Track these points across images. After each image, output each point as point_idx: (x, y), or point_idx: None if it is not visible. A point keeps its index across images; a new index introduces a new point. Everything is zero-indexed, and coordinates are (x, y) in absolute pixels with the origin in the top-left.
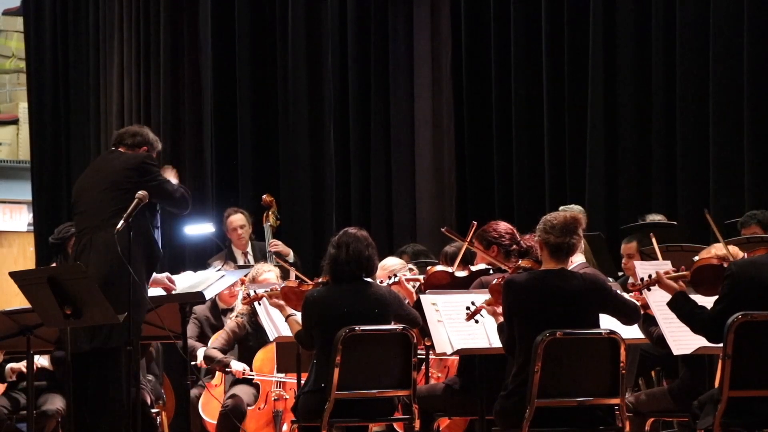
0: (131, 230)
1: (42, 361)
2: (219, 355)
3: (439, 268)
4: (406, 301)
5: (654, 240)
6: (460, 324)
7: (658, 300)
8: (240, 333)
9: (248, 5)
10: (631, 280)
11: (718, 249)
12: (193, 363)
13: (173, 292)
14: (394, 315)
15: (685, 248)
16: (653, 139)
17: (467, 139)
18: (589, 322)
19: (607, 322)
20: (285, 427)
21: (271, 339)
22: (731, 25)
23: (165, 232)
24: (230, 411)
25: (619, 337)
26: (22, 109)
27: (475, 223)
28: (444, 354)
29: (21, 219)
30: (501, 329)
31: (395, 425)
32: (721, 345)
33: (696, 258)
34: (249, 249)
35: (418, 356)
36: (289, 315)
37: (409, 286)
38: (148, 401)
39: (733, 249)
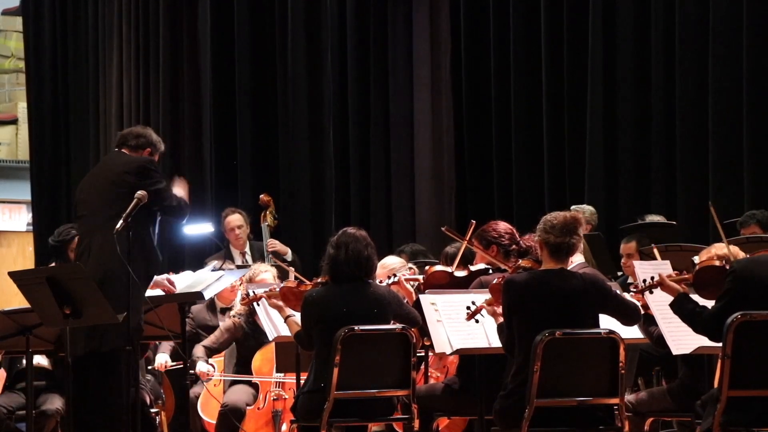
0: (130, 231)
1: (41, 360)
2: (198, 353)
3: (439, 267)
4: (406, 301)
5: (656, 251)
6: (459, 324)
7: (657, 300)
8: (235, 333)
9: (247, 6)
10: (631, 280)
11: (718, 249)
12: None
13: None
14: (393, 315)
15: (684, 248)
16: (652, 139)
17: (466, 140)
18: (588, 322)
19: (607, 322)
20: (284, 427)
21: (270, 339)
22: (731, 26)
23: (164, 232)
24: (229, 411)
25: (618, 337)
26: (22, 109)
27: (474, 222)
28: (443, 354)
29: (20, 219)
30: (501, 329)
31: (394, 425)
32: (720, 344)
33: (696, 258)
34: (247, 249)
35: (417, 356)
36: (288, 316)
37: (408, 285)
38: (147, 401)
39: (734, 249)
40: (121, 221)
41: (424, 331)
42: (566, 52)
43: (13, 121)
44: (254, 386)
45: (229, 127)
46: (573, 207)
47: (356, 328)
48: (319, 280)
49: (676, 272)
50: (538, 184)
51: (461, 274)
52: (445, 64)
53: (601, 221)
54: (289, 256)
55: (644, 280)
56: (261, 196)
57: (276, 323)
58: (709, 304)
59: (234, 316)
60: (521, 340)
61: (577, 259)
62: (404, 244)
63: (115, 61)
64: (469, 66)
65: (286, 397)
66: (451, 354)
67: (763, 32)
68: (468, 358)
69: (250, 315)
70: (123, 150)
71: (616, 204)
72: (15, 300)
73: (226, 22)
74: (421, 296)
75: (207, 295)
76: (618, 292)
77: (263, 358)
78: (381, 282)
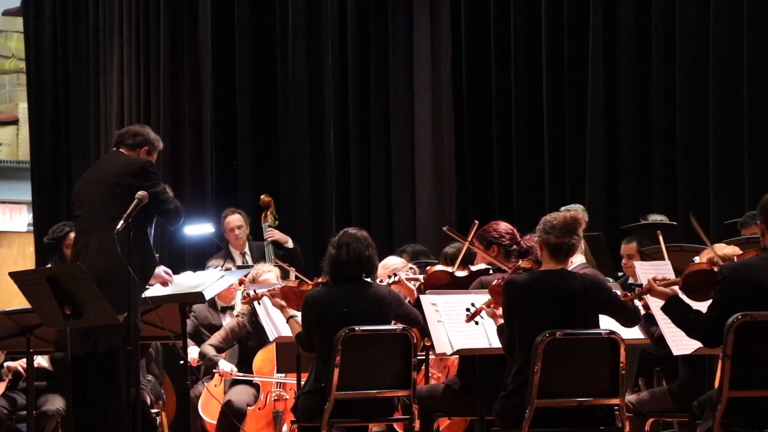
0: (131, 231)
1: (41, 361)
2: (211, 352)
3: (439, 267)
4: (407, 300)
5: (661, 238)
6: (459, 324)
7: (658, 301)
8: (239, 332)
9: (248, 6)
10: (632, 281)
11: (718, 249)
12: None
13: (172, 290)
14: (394, 315)
15: (685, 248)
16: (653, 140)
17: (467, 140)
18: (589, 322)
19: (607, 323)
20: (285, 428)
21: (271, 339)
22: (731, 26)
23: (164, 232)
24: (230, 411)
25: (618, 338)
26: (22, 110)
27: (477, 222)
28: (444, 354)
29: (21, 219)
30: (501, 330)
31: (395, 425)
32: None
33: (697, 259)
34: (246, 249)
35: (418, 357)
36: (291, 316)
37: (410, 284)
38: (148, 401)
39: (734, 248)
40: (121, 222)
41: (425, 332)
42: (567, 52)
43: (14, 122)
44: (255, 386)
45: (229, 127)
46: (563, 208)
47: (357, 328)
48: (319, 280)
49: (664, 276)
50: (539, 185)
51: (462, 274)
52: (446, 65)
53: (601, 221)
54: (290, 244)
55: (634, 287)
56: (262, 196)
57: (277, 323)
58: (701, 307)
59: (238, 316)
60: (522, 341)
61: (577, 260)
62: (405, 245)
63: (116, 62)
64: (470, 67)
65: (287, 397)
66: (451, 354)
67: (763, 34)
68: (468, 358)
69: (253, 314)
70: (121, 149)
71: (617, 204)
72: (16, 300)
73: (226, 22)
74: (421, 296)
75: (208, 296)
76: (618, 293)
77: (264, 358)
78: (381, 282)
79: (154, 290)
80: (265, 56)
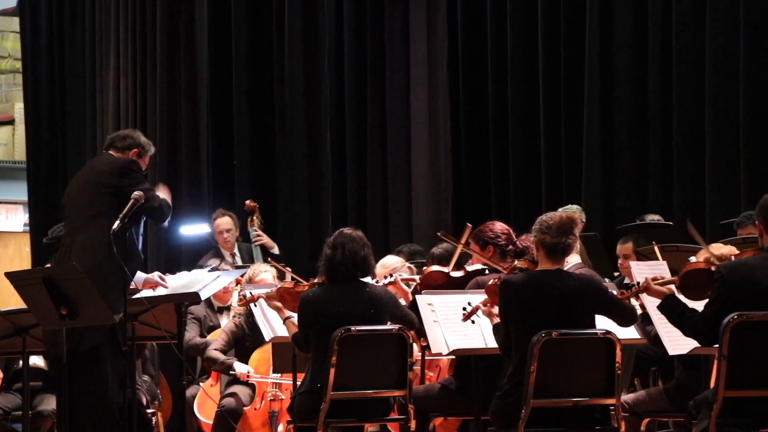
0: (126, 232)
1: (37, 361)
2: (221, 356)
3: (435, 268)
4: (402, 302)
5: (656, 249)
6: (455, 324)
7: (654, 300)
8: (239, 333)
9: (245, 7)
10: (628, 281)
11: (715, 249)
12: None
13: (167, 291)
14: (390, 315)
15: (681, 248)
16: (649, 140)
17: (463, 140)
18: (584, 322)
19: (603, 323)
20: (281, 428)
21: (267, 339)
22: (728, 26)
23: (161, 233)
24: (226, 411)
25: (614, 338)
26: (18, 110)
27: (470, 225)
28: (439, 354)
29: (17, 219)
30: (497, 330)
31: (390, 425)
32: (714, 346)
33: (693, 259)
34: (236, 250)
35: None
36: (288, 317)
37: (405, 286)
38: (144, 402)
39: (730, 248)
40: (117, 222)
41: (421, 332)
42: (563, 53)
43: (10, 122)
44: (251, 387)
45: (226, 129)
46: (561, 209)
47: (353, 328)
48: (315, 280)
49: (661, 275)
50: (535, 185)
51: (458, 274)
52: (442, 65)
53: (597, 221)
54: (276, 250)
55: (630, 286)
56: (247, 201)
57: (273, 324)
58: (698, 305)
59: (234, 317)
60: (518, 341)
61: (573, 260)
62: (401, 245)
63: (112, 62)
64: (466, 67)
65: (283, 397)
66: (447, 355)
67: (760, 33)
68: (465, 358)
69: (250, 315)
70: (110, 151)
71: (613, 204)
72: (12, 301)
73: (223, 23)
74: (417, 297)
75: (204, 296)
76: (614, 293)
77: (260, 359)
78: (379, 282)
79: (149, 290)
80: (261, 57)
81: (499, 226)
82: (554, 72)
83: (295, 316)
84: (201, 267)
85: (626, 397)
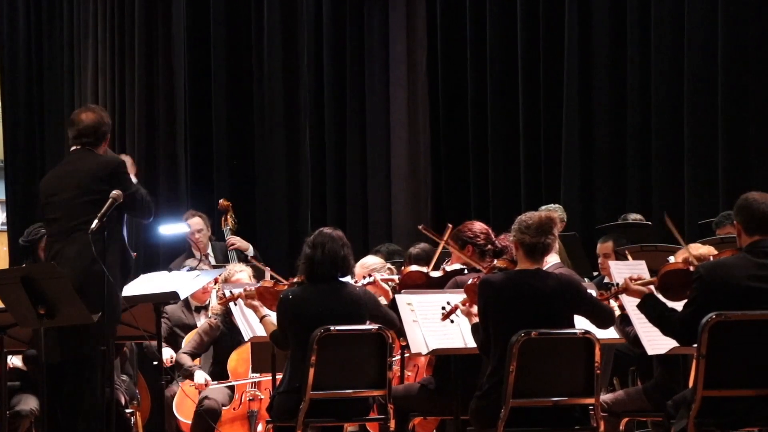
0: (104, 231)
1: (15, 361)
2: (187, 362)
3: (414, 268)
4: (383, 301)
5: (628, 253)
6: (435, 324)
7: (634, 300)
8: (213, 334)
9: (223, 5)
10: (608, 280)
11: (693, 249)
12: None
13: (146, 290)
14: (369, 315)
15: (660, 248)
16: (628, 139)
17: (443, 139)
18: (563, 322)
19: (582, 323)
20: (260, 428)
21: (246, 339)
22: (706, 23)
23: (139, 232)
24: (205, 411)
25: (593, 337)
26: None
27: (451, 225)
28: (419, 354)
29: None
30: (476, 330)
31: (369, 425)
32: (693, 346)
33: (672, 258)
34: (209, 250)
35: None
36: (264, 316)
37: (385, 285)
38: (123, 401)
39: (709, 249)
40: (96, 221)
41: (401, 332)
42: (542, 52)
43: None
44: (230, 386)
45: (204, 127)
46: (542, 207)
47: (332, 328)
48: (295, 279)
49: (640, 276)
50: (514, 184)
51: (437, 274)
52: (422, 64)
53: (576, 221)
54: (250, 252)
55: (610, 287)
56: (220, 201)
57: (252, 323)
58: (677, 306)
59: (211, 317)
60: (497, 341)
61: (552, 260)
62: (380, 244)
63: (90, 61)
64: (446, 66)
65: (262, 397)
66: (426, 354)
67: (738, 31)
68: (444, 358)
69: (227, 315)
70: (87, 148)
71: (592, 204)
72: None
73: (201, 21)
74: (397, 296)
75: (182, 295)
76: (594, 294)
77: (239, 359)
78: (357, 282)
79: (127, 289)
80: (240, 56)
81: (478, 226)
82: (533, 72)
83: (272, 315)
84: (170, 270)
85: (605, 397)
